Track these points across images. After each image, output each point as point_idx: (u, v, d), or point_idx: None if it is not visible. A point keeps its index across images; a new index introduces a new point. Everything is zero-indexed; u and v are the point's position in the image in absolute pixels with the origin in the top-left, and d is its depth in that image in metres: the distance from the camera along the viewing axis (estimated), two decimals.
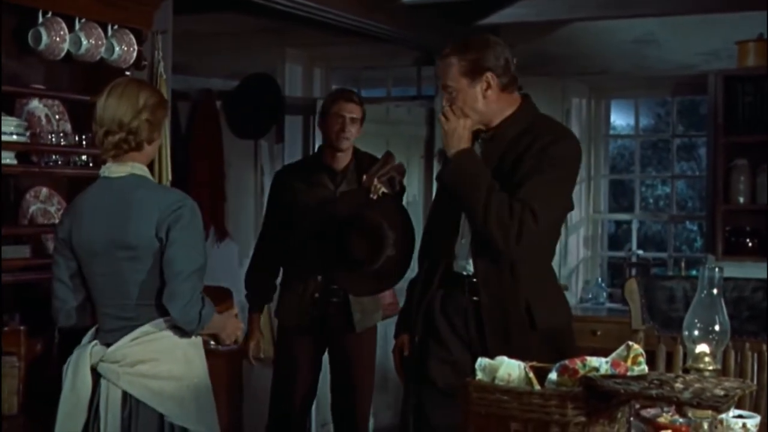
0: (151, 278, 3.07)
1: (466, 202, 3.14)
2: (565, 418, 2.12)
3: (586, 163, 6.24)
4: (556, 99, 6.10)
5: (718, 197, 5.68)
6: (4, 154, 3.57)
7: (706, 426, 2.20)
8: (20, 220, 3.81)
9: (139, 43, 4.04)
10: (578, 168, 3.28)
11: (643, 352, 2.29)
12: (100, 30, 3.87)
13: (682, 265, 6.07)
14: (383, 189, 4.28)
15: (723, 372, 2.77)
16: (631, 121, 6.86)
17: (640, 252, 6.62)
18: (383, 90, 7.01)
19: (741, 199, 5.67)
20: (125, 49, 3.98)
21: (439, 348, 3.27)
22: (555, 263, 3.45)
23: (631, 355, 2.26)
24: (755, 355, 3.08)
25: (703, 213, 6.43)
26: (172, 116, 4.43)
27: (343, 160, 4.52)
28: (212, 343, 3.44)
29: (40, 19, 3.70)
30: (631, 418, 2.37)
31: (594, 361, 2.23)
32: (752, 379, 3.04)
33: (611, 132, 7.02)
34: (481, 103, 3.19)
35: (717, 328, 2.32)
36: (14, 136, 3.61)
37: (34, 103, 3.86)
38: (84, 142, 3.89)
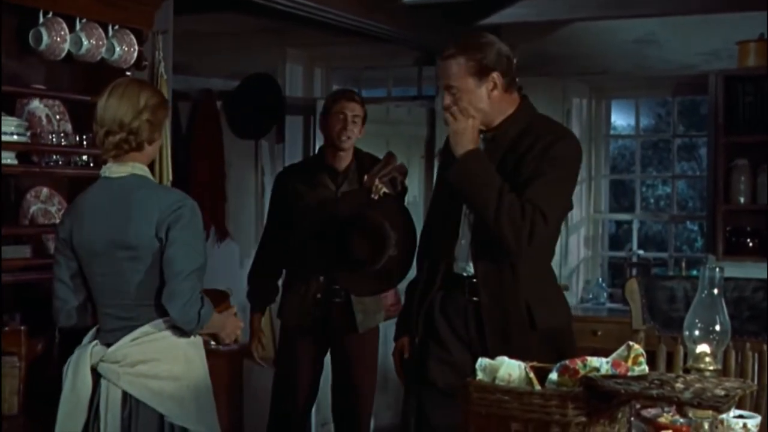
0: (152, 278, 3.07)
1: (476, 202, 3.12)
2: (565, 418, 2.12)
3: (587, 163, 6.24)
4: (556, 99, 6.10)
5: (719, 197, 5.68)
6: (5, 154, 3.57)
7: (706, 426, 2.20)
8: (21, 220, 3.81)
9: (140, 43, 4.05)
10: (579, 167, 3.29)
11: (644, 352, 2.29)
12: (100, 30, 3.87)
13: (683, 265, 6.07)
14: (384, 189, 4.28)
15: (723, 372, 2.77)
16: (632, 121, 6.86)
17: (641, 252, 6.62)
18: (384, 90, 7.01)
19: (741, 199, 5.67)
20: (126, 49, 3.98)
21: (439, 349, 3.27)
22: (555, 263, 3.45)
23: (632, 355, 2.26)
24: (756, 355, 3.08)
25: (703, 213, 6.42)
26: (172, 116, 4.43)
27: (345, 160, 4.52)
28: (213, 343, 3.44)
29: (41, 19, 3.70)
30: (632, 418, 2.37)
31: (594, 361, 2.23)
32: (753, 379, 3.04)
33: (612, 132, 7.02)
34: (486, 103, 3.19)
35: (717, 328, 2.32)
36: (15, 136, 3.61)
37: (35, 103, 3.86)
38: (84, 143, 3.89)
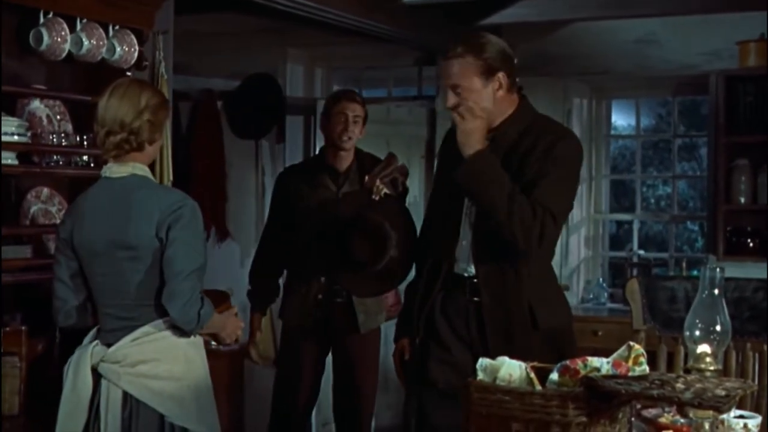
0: (152, 278, 3.07)
1: (486, 203, 3.10)
2: (566, 418, 2.12)
3: (587, 163, 6.24)
4: (557, 99, 6.10)
5: (719, 197, 5.68)
6: (6, 154, 3.57)
7: (707, 426, 2.20)
8: (21, 220, 3.81)
9: (140, 43, 4.05)
10: (581, 166, 3.30)
11: (645, 353, 2.29)
12: (101, 30, 3.88)
13: (683, 265, 6.06)
14: (385, 190, 4.28)
15: (724, 372, 2.76)
16: (632, 121, 6.85)
17: (641, 252, 6.62)
18: (384, 90, 7.01)
19: (742, 199, 5.67)
20: (126, 49, 3.98)
21: (439, 349, 3.26)
22: (556, 263, 3.45)
23: (633, 356, 2.26)
24: (756, 355, 3.08)
25: (704, 213, 6.42)
26: (173, 116, 4.43)
27: (346, 160, 4.51)
28: (213, 343, 3.44)
29: (42, 20, 3.70)
30: (633, 419, 2.37)
31: (595, 361, 2.23)
32: (753, 380, 3.04)
33: (612, 132, 7.02)
34: (491, 103, 3.17)
35: (718, 328, 2.32)
36: (15, 137, 3.61)
37: (36, 104, 3.86)
38: (85, 143, 3.89)
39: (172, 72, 4.36)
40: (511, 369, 2.25)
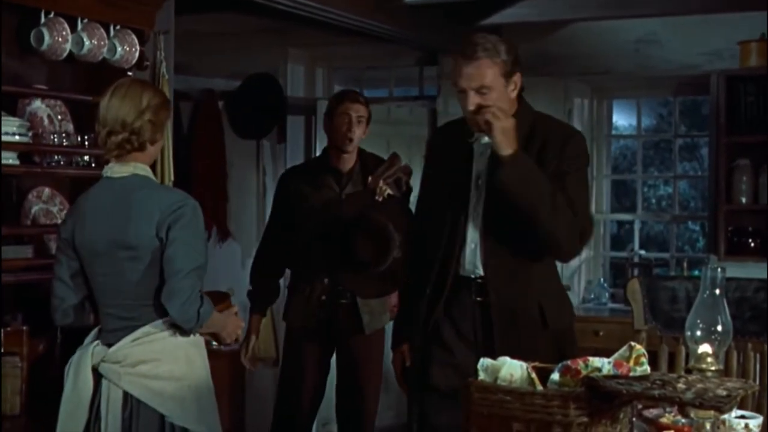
0: (153, 278, 3.07)
1: (528, 202, 3.05)
2: (567, 418, 2.12)
3: None
4: (558, 99, 6.10)
5: (721, 197, 5.68)
6: (7, 154, 3.57)
7: (708, 426, 2.20)
8: (22, 220, 3.81)
9: (141, 43, 4.05)
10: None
11: (646, 353, 2.28)
12: (102, 30, 3.88)
13: (685, 265, 6.06)
14: (389, 190, 4.27)
15: (725, 372, 2.76)
16: (633, 121, 6.85)
17: (643, 252, 6.62)
18: (385, 90, 7.01)
19: (743, 199, 5.67)
20: (127, 49, 3.98)
21: (442, 352, 3.22)
22: (557, 263, 3.44)
23: (634, 356, 2.26)
24: (757, 355, 3.08)
25: (705, 213, 6.42)
26: (174, 116, 4.43)
27: (349, 161, 4.48)
28: (214, 343, 3.44)
29: (43, 20, 3.70)
30: (634, 419, 2.37)
31: (596, 361, 2.23)
32: (754, 380, 3.04)
33: (613, 132, 7.01)
34: (508, 104, 3.15)
35: (719, 328, 2.32)
36: (16, 137, 3.62)
37: (37, 104, 3.86)
38: (86, 143, 3.89)
39: (173, 72, 4.37)
40: (512, 369, 2.25)
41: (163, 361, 3.10)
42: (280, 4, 4.73)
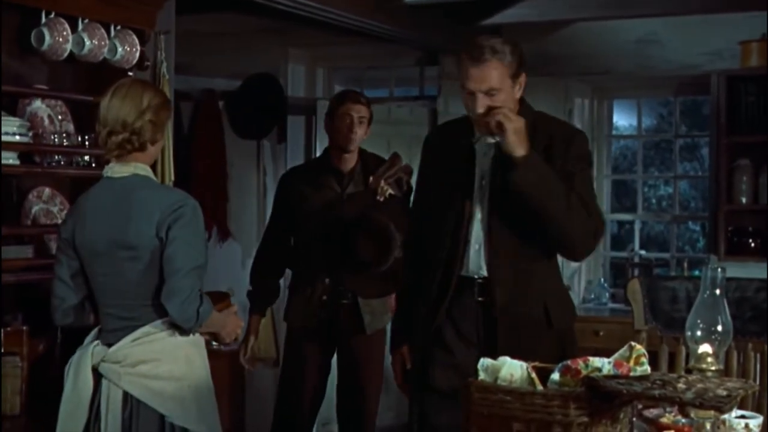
0: (153, 278, 3.08)
1: (543, 202, 3.05)
2: (567, 418, 2.12)
3: None
4: (558, 99, 6.10)
5: (721, 197, 5.68)
6: (7, 154, 3.57)
7: (708, 426, 2.20)
8: (23, 220, 3.81)
9: (142, 43, 4.05)
10: None
11: (646, 353, 2.29)
12: (102, 30, 3.88)
13: (685, 265, 6.06)
14: (390, 190, 4.27)
15: (725, 372, 2.76)
16: (634, 122, 6.85)
17: (643, 252, 6.62)
18: (386, 90, 7.01)
19: (743, 200, 5.67)
20: (128, 49, 3.98)
21: (443, 354, 3.21)
22: (558, 263, 3.45)
23: (634, 356, 2.26)
24: (758, 355, 3.08)
25: (705, 213, 6.42)
26: (174, 116, 4.43)
27: (350, 161, 4.47)
28: (214, 343, 3.44)
29: (43, 20, 3.70)
30: (634, 419, 2.37)
31: (596, 361, 2.23)
32: (755, 380, 3.04)
33: (614, 132, 7.01)
34: (514, 104, 3.15)
35: (719, 328, 2.32)
36: (17, 137, 3.62)
37: (37, 104, 3.86)
38: (87, 143, 3.89)
39: (173, 72, 4.37)
40: (512, 369, 2.25)
41: (163, 361, 3.10)
42: (281, 4, 4.73)
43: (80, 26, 3.82)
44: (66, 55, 3.76)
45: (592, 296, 6.36)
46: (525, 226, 3.13)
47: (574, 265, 6.34)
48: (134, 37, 4.01)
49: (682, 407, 2.30)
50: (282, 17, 5.28)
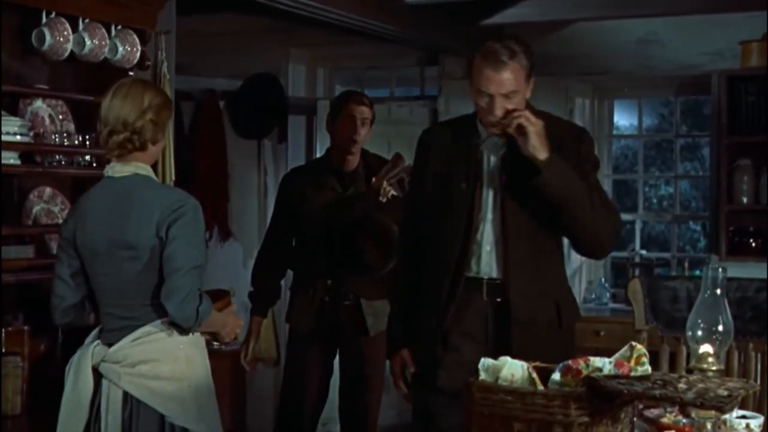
0: (153, 278, 3.08)
1: (570, 204, 3.06)
2: (568, 418, 2.12)
3: None
4: (559, 99, 6.09)
5: (722, 197, 5.67)
6: (8, 154, 3.57)
7: (709, 426, 2.20)
8: (24, 220, 3.81)
9: (143, 43, 4.05)
10: None
11: (647, 353, 2.28)
12: (103, 30, 3.88)
13: (686, 265, 6.07)
14: (392, 191, 4.26)
15: (726, 372, 2.76)
16: (635, 121, 6.85)
17: (644, 252, 6.62)
18: (386, 90, 7.01)
19: (744, 199, 5.67)
20: (129, 49, 3.98)
21: (451, 354, 3.18)
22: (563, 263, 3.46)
23: (635, 356, 2.26)
24: (758, 355, 3.07)
25: (706, 213, 6.42)
26: (175, 116, 4.43)
27: (352, 162, 4.45)
28: (215, 343, 3.44)
29: (44, 20, 3.71)
30: (635, 419, 2.37)
31: (597, 361, 2.23)
32: (755, 380, 3.03)
33: (614, 132, 7.01)
34: (524, 106, 3.14)
35: (720, 328, 2.32)
36: (18, 137, 3.61)
37: (38, 104, 3.87)
38: (87, 142, 3.89)
39: (174, 72, 4.37)
40: (513, 369, 2.25)
41: (163, 361, 3.10)
42: (282, 4, 4.73)
43: (81, 26, 3.82)
44: (67, 54, 3.76)
45: (593, 296, 6.36)
46: (537, 227, 3.14)
47: (575, 265, 6.34)
48: (135, 36, 4.02)
49: (683, 407, 2.30)
50: (283, 17, 5.28)
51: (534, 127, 3.02)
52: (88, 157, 3.95)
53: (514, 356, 2.31)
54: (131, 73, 3.95)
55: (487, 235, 3.18)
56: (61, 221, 3.58)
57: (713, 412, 2.15)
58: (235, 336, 3.40)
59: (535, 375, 2.24)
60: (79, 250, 3.16)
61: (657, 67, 6.09)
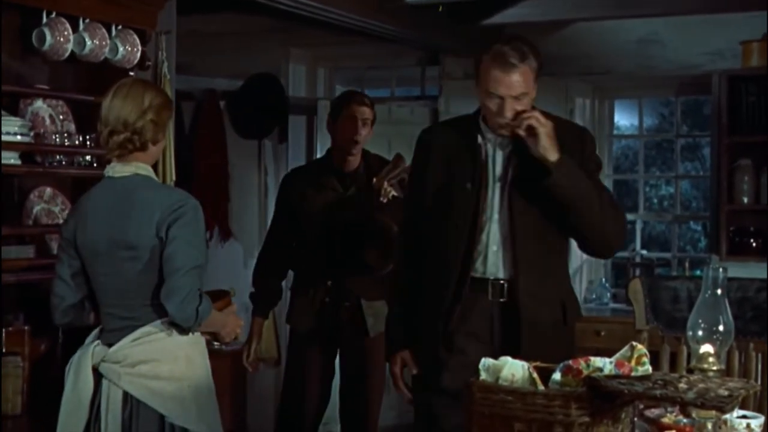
0: (153, 278, 3.08)
1: (580, 204, 3.06)
2: (568, 418, 2.12)
3: None
4: (559, 99, 6.09)
5: (722, 197, 5.68)
6: (9, 154, 3.57)
7: (710, 426, 2.20)
8: (24, 220, 3.81)
9: (143, 43, 4.05)
10: None
11: (647, 353, 2.28)
12: (104, 30, 3.88)
13: (686, 265, 6.07)
14: (393, 192, 4.26)
15: (727, 372, 2.76)
16: (635, 121, 6.85)
17: (644, 252, 6.62)
18: (387, 90, 7.01)
19: (745, 199, 5.67)
20: (129, 49, 3.98)
21: (455, 355, 3.16)
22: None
23: (635, 356, 2.26)
24: (759, 355, 3.07)
25: (707, 213, 6.42)
26: (175, 116, 4.43)
27: (353, 162, 4.44)
28: (215, 343, 3.43)
29: (44, 20, 3.71)
30: (635, 419, 2.37)
31: (598, 361, 2.23)
32: (756, 380, 3.03)
33: (615, 132, 7.01)
34: (531, 107, 3.13)
35: (721, 328, 2.32)
36: (18, 137, 3.62)
37: (38, 104, 3.87)
38: (88, 143, 3.89)
39: (174, 72, 4.37)
40: (513, 369, 2.25)
41: (163, 361, 3.10)
42: (282, 4, 4.73)
43: (81, 26, 3.82)
44: (67, 54, 3.76)
45: (594, 296, 6.36)
46: (545, 227, 3.14)
47: (575, 264, 6.34)
48: (135, 37, 4.02)
49: (684, 407, 2.30)
50: (283, 17, 5.28)
51: (544, 128, 3.02)
52: (88, 157, 3.95)
53: (522, 356, 2.31)
54: (132, 73, 3.95)
55: (493, 235, 3.17)
56: (61, 221, 3.58)
57: (714, 412, 2.15)
58: (235, 336, 3.40)
59: (535, 375, 2.24)
60: (79, 250, 3.16)
61: (657, 67, 6.09)
